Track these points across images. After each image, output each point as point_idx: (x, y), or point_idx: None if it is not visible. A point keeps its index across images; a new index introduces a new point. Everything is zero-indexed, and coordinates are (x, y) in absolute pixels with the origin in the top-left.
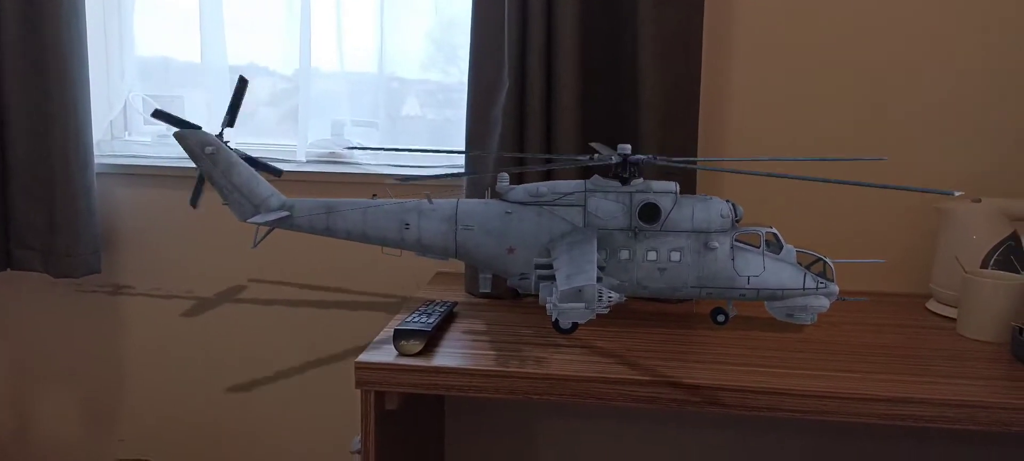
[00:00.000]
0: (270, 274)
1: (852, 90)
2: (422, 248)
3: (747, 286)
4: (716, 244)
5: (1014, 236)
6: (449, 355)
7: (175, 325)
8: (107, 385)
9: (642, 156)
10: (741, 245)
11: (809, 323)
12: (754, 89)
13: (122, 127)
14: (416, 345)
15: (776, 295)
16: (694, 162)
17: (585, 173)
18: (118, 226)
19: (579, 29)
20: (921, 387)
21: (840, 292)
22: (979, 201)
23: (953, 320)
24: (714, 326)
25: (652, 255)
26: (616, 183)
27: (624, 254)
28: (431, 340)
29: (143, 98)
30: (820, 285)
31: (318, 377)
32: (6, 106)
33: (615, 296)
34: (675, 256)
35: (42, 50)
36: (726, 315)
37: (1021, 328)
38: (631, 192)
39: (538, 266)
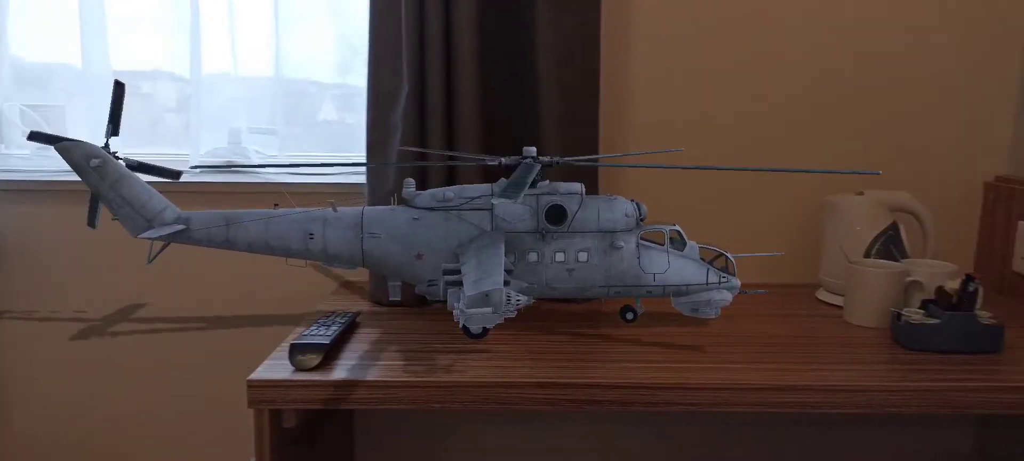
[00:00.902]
0: (165, 290)
1: (745, 90)
2: (328, 258)
3: (653, 283)
4: (622, 243)
5: (893, 226)
6: (349, 368)
7: (61, 349)
8: None
9: (547, 158)
10: (646, 243)
11: (713, 317)
12: (653, 87)
13: None
14: (313, 359)
15: (681, 291)
16: (597, 161)
17: (490, 175)
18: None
19: (477, 33)
20: (808, 374)
21: (741, 285)
22: (862, 194)
23: (840, 308)
24: (619, 325)
25: (560, 256)
26: None
27: (532, 256)
28: (330, 353)
29: (20, 109)
30: (722, 280)
31: (215, 398)
32: None
33: (523, 299)
34: (582, 256)
35: None
36: (634, 312)
37: (900, 313)
38: (537, 194)
39: (446, 272)
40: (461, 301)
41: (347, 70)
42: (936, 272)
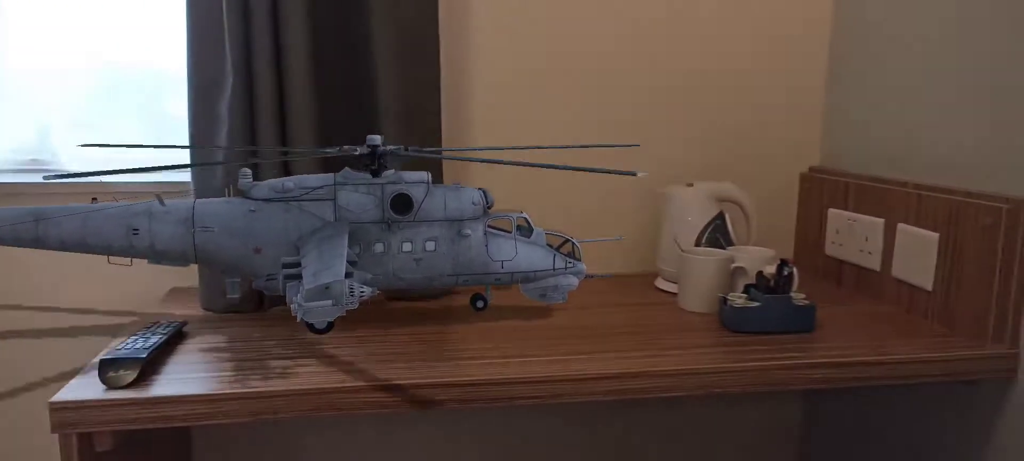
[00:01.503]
0: None
1: (583, 86)
2: (156, 255)
3: (501, 270)
4: (469, 231)
5: (721, 216)
6: (172, 381)
7: None
8: None
9: (392, 147)
10: (494, 231)
11: (561, 302)
12: (494, 82)
13: None
14: (128, 375)
15: (529, 277)
16: (442, 152)
17: (329, 168)
18: None
19: (308, 23)
20: (645, 360)
21: (587, 271)
22: (692, 185)
23: (675, 295)
24: (466, 320)
25: (407, 246)
26: (367, 176)
27: (378, 247)
28: (149, 366)
29: None
30: (568, 265)
31: (15, 427)
32: None
33: (367, 290)
34: (430, 245)
35: None
36: (485, 301)
37: (726, 298)
38: (382, 184)
39: (285, 265)
40: (300, 295)
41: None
42: (758, 258)
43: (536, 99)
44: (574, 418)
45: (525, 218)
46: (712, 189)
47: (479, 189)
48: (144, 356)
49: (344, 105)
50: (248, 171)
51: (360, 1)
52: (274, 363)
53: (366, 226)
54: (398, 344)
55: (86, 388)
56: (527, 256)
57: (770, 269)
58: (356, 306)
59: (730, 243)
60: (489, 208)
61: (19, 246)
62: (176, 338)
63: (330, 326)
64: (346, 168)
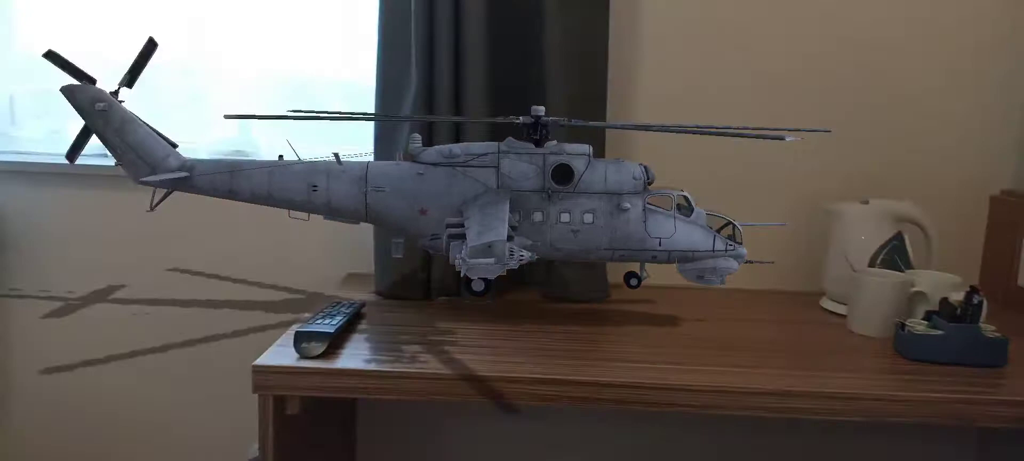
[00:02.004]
0: (171, 274)
1: (751, 88)
2: (331, 211)
3: (659, 248)
4: (628, 205)
5: (899, 237)
6: (353, 357)
7: (61, 329)
8: None
9: (554, 118)
10: (653, 208)
11: (718, 284)
12: (660, 95)
13: (9, 122)
14: (318, 347)
15: (687, 257)
16: (605, 124)
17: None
18: (7, 227)
19: (486, 29)
20: (809, 381)
21: (747, 256)
22: (867, 203)
23: (844, 317)
24: (620, 324)
25: (565, 217)
26: (530, 145)
27: (537, 216)
28: (335, 342)
29: (32, 93)
30: (729, 247)
31: (216, 380)
32: None
33: (526, 254)
34: (588, 218)
35: None
36: (639, 278)
37: (903, 324)
38: (544, 154)
39: (449, 226)
40: (463, 251)
41: (354, 65)
42: (940, 283)
43: (702, 113)
44: (716, 433)
45: (685, 196)
46: (890, 208)
47: (640, 164)
48: (332, 331)
49: (513, 107)
50: (418, 136)
51: (534, 9)
52: (440, 349)
53: (527, 195)
54: (557, 341)
55: (282, 356)
56: (686, 235)
57: (956, 296)
58: (516, 266)
59: (908, 266)
60: (649, 184)
61: (216, 195)
62: (356, 318)
63: (488, 289)
64: (510, 137)
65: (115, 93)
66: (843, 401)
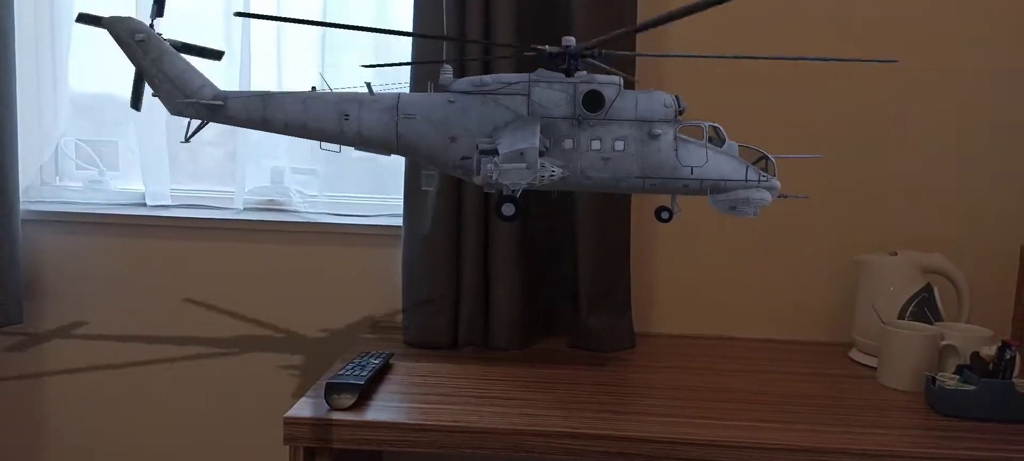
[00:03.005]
0: (201, 320)
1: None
2: (362, 141)
3: (690, 176)
4: (659, 132)
5: (928, 288)
6: (383, 409)
7: (99, 375)
8: (28, 436)
9: (584, 45)
10: (684, 138)
11: (751, 216)
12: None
13: (53, 172)
14: (348, 399)
15: (719, 186)
16: (636, 54)
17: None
18: (43, 274)
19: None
20: (841, 438)
21: (781, 190)
22: (895, 254)
23: (874, 369)
24: (651, 372)
25: (596, 144)
26: (560, 75)
27: (568, 143)
28: (365, 393)
29: (75, 143)
30: (762, 179)
31: (246, 430)
32: None
33: (557, 170)
34: (619, 145)
35: None
36: (670, 212)
37: (934, 378)
38: (575, 82)
39: (480, 146)
40: (495, 158)
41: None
42: (971, 337)
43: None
44: None
45: (716, 127)
46: (919, 259)
47: (672, 94)
48: (362, 383)
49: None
50: (449, 67)
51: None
52: (470, 402)
53: (556, 122)
54: (585, 393)
55: (312, 408)
56: (718, 164)
57: (988, 350)
58: (547, 181)
59: (938, 319)
60: (681, 114)
61: (250, 125)
62: (384, 369)
63: (517, 212)
64: (541, 68)
65: (150, 25)
66: (877, 459)
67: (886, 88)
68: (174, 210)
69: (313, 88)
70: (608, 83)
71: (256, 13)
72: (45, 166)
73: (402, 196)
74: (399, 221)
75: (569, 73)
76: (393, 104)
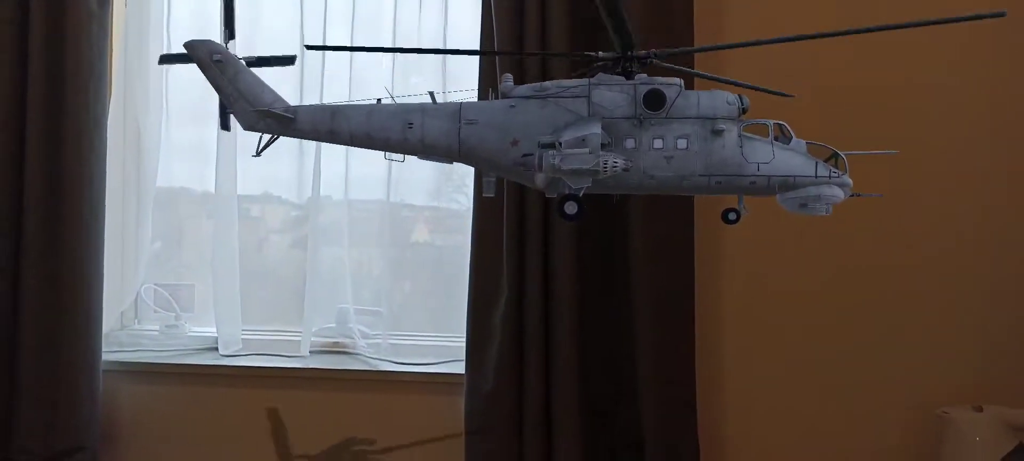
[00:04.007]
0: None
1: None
2: (425, 148)
3: (757, 173)
4: (723, 127)
5: (1020, 450)
6: None
7: None
8: None
9: (642, 52)
10: (749, 135)
11: (823, 214)
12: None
13: (132, 317)
14: None
15: (788, 183)
16: (696, 49)
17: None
18: (120, 423)
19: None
20: None
21: (853, 188)
22: (981, 410)
23: None
24: None
25: (658, 143)
26: (620, 78)
27: (629, 143)
28: None
29: (154, 289)
30: (833, 175)
31: None
32: (20, 320)
33: (620, 162)
34: (682, 143)
35: (59, 258)
36: (738, 213)
37: None
38: (635, 84)
39: (542, 143)
40: (559, 147)
41: (437, 194)
42: None
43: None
44: None
45: (782, 125)
46: (1008, 416)
47: (734, 93)
48: None
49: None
50: (510, 75)
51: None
52: None
53: (618, 122)
54: None
55: None
56: (785, 160)
57: None
58: (610, 175)
59: None
60: (744, 112)
61: (317, 138)
62: None
63: (580, 211)
64: (601, 73)
65: (225, 46)
66: None
67: (968, 229)
68: (244, 359)
69: (378, 101)
70: (668, 83)
71: (325, 45)
72: (125, 312)
73: (465, 341)
74: (461, 366)
75: (628, 75)
76: (455, 111)
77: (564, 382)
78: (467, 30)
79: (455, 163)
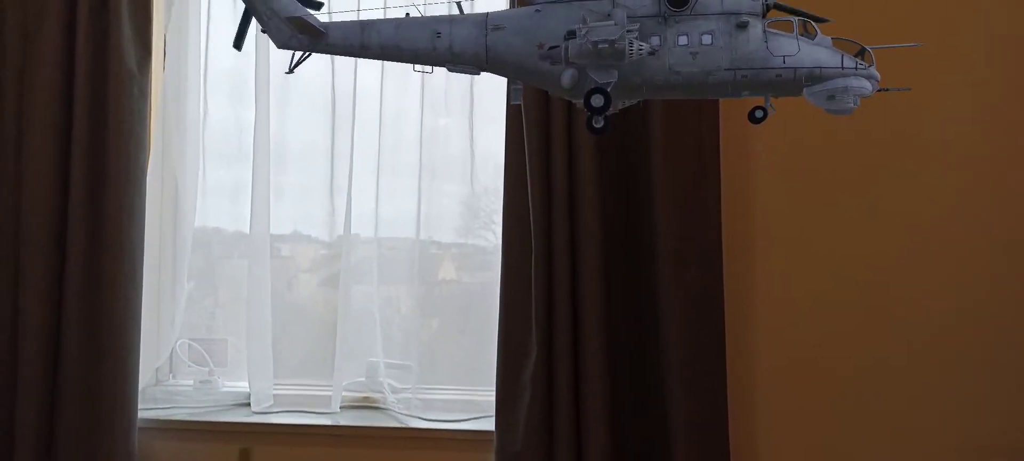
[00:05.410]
0: None
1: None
2: (453, 57)
3: (783, 65)
4: (747, 21)
5: None
6: None
7: None
8: None
9: None
10: (774, 31)
11: (851, 108)
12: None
13: (167, 372)
14: None
15: (814, 75)
16: None
17: None
18: None
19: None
20: None
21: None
22: None
23: None
24: None
25: (683, 39)
26: None
27: (655, 40)
28: None
29: (189, 344)
30: (860, 67)
31: None
32: (60, 379)
33: (645, 46)
34: (706, 39)
35: (98, 316)
36: (764, 111)
37: None
38: None
39: (566, 32)
40: (584, 27)
41: (465, 231)
42: None
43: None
44: None
45: (806, 21)
46: None
47: None
48: None
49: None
50: None
51: None
52: None
53: (643, 21)
54: None
55: None
56: (811, 53)
57: None
58: (635, 57)
59: None
60: (769, 10)
61: (349, 53)
62: None
63: (607, 124)
64: None
65: None
66: None
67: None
68: (276, 416)
69: (406, 14)
70: None
71: None
72: (161, 368)
73: (495, 398)
74: (490, 422)
75: None
76: (482, 19)
77: (593, 440)
78: None
79: (484, 73)
